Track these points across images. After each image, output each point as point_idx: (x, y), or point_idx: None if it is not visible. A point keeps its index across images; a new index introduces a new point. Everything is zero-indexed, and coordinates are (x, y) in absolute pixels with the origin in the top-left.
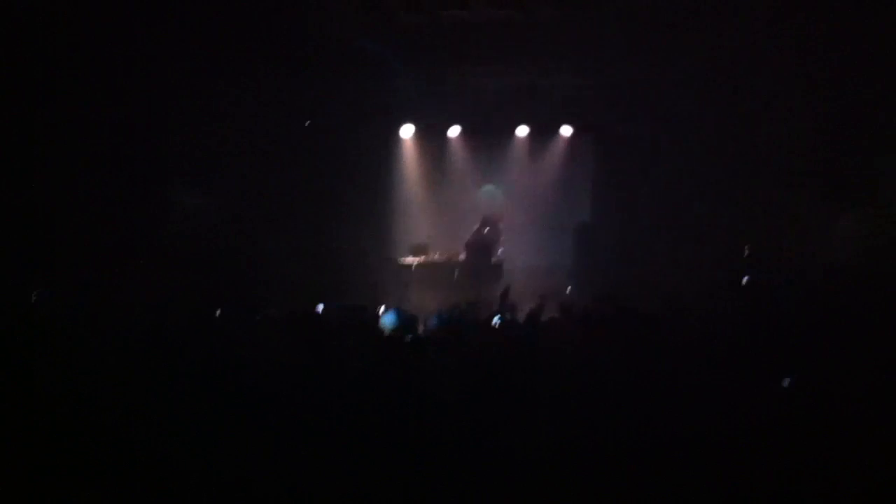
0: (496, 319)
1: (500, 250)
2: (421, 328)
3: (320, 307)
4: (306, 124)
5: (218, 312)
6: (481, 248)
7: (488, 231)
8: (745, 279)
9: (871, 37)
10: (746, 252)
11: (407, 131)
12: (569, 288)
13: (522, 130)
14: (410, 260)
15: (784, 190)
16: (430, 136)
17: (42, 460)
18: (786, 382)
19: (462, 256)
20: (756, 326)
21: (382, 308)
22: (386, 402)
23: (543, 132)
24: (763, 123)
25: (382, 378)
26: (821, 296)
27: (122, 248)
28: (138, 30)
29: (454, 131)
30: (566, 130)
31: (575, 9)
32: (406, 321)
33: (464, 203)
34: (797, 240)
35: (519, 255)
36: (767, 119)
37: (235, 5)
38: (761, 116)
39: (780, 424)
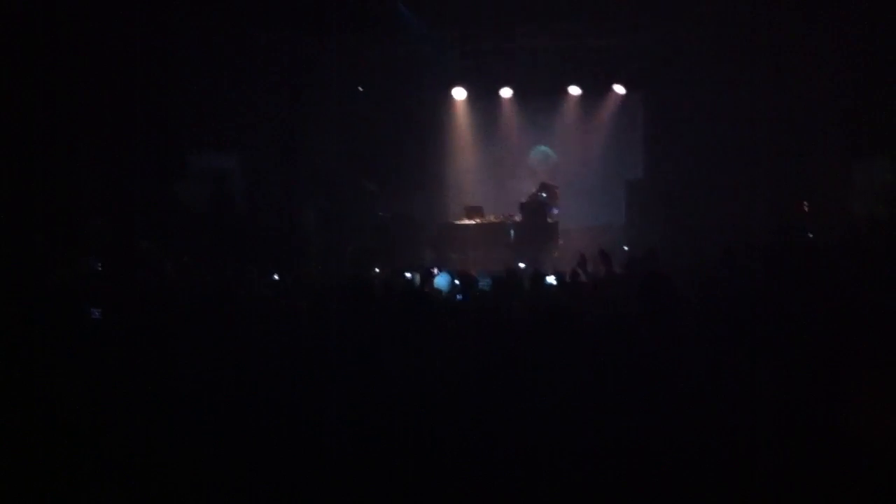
0: (552, 278)
1: (555, 211)
2: (475, 290)
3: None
4: (359, 89)
5: (275, 277)
6: (536, 208)
7: (543, 192)
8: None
9: None
10: (806, 208)
11: (459, 94)
12: (625, 247)
13: (574, 90)
14: (466, 222)
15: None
16: (482, 99)
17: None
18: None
19: (518, 217)
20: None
21: (436, 270)
22: (428, 364)
23: (595, 92)
24: (811, 82)
25: (425, 341)
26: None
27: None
28: None
29: (506, 93)
30: (618, 89)
31: None
32: (459, 282)
33: (517, 164)
34: (847, 199)
35: (574, 215)
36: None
37: None
38: (811, 75)
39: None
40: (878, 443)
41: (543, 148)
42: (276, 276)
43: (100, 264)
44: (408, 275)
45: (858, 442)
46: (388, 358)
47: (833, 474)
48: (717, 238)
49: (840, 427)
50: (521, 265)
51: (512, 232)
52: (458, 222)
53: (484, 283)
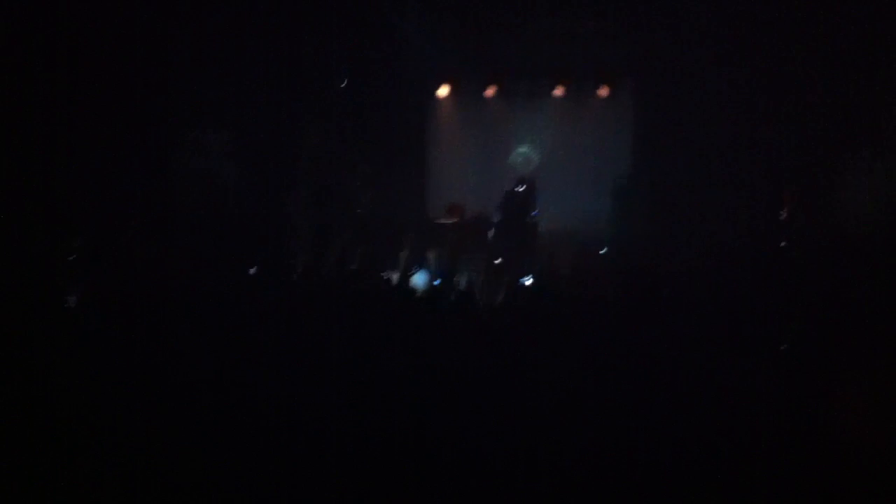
0: (527, 280)
1: (534, 211)
2: (452, 287)
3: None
4: (342, 85)
5: (252, 270)
6: (516, 208)
7: (523, 191)
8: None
9: None
10: (784, 215)
11: (443, 92)
12: (604, 249)
13: (559, 90)
14: (446, 220)
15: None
16: (466, 97)
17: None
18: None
19: (497, 217)
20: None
21: (415, 268)
22: (407, 362)
23: (580, 92)
24: (807, 82)
25: (397, 339)
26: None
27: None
28: None
29: (490, 92)
30: (603, 91)
31: None
32: (437, 281)
33: (499, 163)
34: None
35: (555, 215)
36: (811, 77)
37: None
38: (800, 76)
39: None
40: (851, 440)
41: (525, 148)
42: (251, 271)
43: (74, 255)
44: (386, 273)
45: (837, 440)
46: (366, 354)
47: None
48: (700, 241)
49: (818, 426)
50: (498, 261)
51: (491, 232)
52: (439, 221)
53: (462, 283)
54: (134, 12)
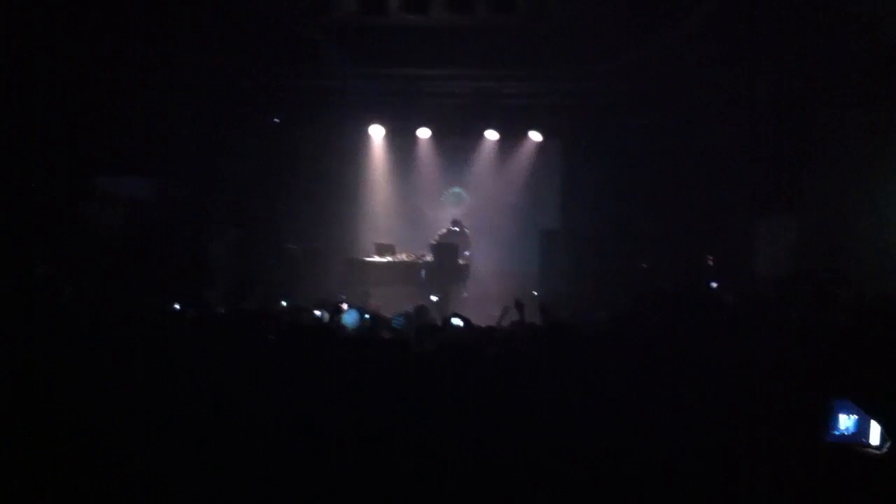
0: (456, 320)
1: (466, 252)
2: (383, 327)
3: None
4: (274, 121)
5: (176, 306)
6: (448, 249)
7: (456, 233)
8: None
9: (801, 51)
10: (710, 261)
11: (376, 132)
12: (534, 292)
13: (491, 134)
14: (376, 259)
15: (749, 198)
16: (399, 137)
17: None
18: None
19: (429, 257)
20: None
21: (345, 307)
22: (334, 402)
23: (512, 137)
24: (723, 135)
25: (332, 378)
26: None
27: (68, 242)
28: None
29: (423, 133)
30: (535, 135)
31: (537, 17)
32: (367, 320)
33: (431, 205)
34: (756, 251)
35: (486, 258)
36: (729, 131)
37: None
38: (721, 128)
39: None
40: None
41: (457, 190)
42: (177, 306)
43: None
44: (316, 311)
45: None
46: (289, 394)
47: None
48: (628, 288)
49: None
50: (434, 298)
51: (423, 272)
52: (369, 259)
53: (396, 322)
54: (53, 51)
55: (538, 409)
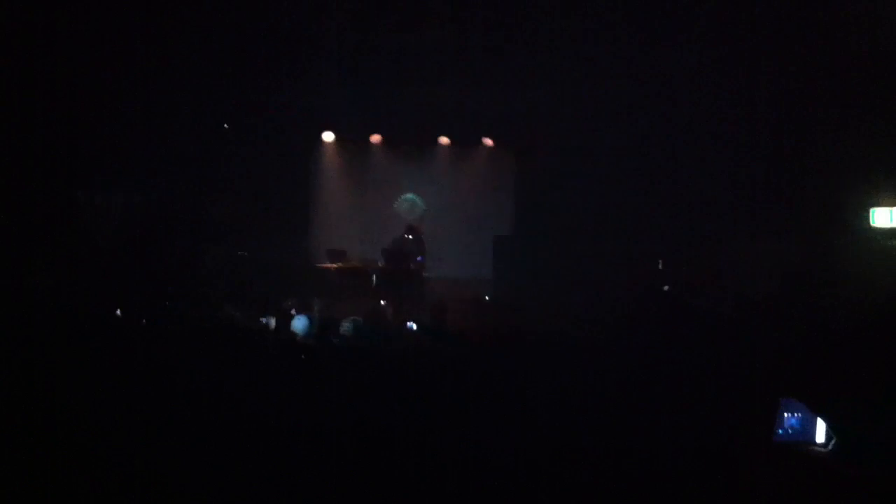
0: (412, 324)
1: (419, 259)
2: (334, 334)
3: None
4: (224, 126)
5: (118, 312)
6: (400, 255)
7: (408, 239)
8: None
9: (791, 66)
10: (660, 266)
11: (328, 137)
12: (486, 297)
13: (444, 140)
14: (328, 265)
15: (704, 205)
16: (351, 144)
17: None
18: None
19: (381, 263)
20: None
21: (294, 312)
22: (284, 409)
23: (465, 143)
24: (684, 144)
25: (282, 384)
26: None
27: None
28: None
29: (375, 139)
30: (488, 142)
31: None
32: (317, 326)
33: (384, 211)
34: (713, 255)
35: (440, 264)
36: (688, 140)
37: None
38: (683, 137)
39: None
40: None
41: (411, 196)
42: (118, 313)
43: None
44: (265, 318)
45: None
46: (240, 401)
47: None
48: (581, 294)
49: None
50: (383, 303)
51: (375, 277)
52: (321, 265)
53: (346, 328)
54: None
55: (491, 414)
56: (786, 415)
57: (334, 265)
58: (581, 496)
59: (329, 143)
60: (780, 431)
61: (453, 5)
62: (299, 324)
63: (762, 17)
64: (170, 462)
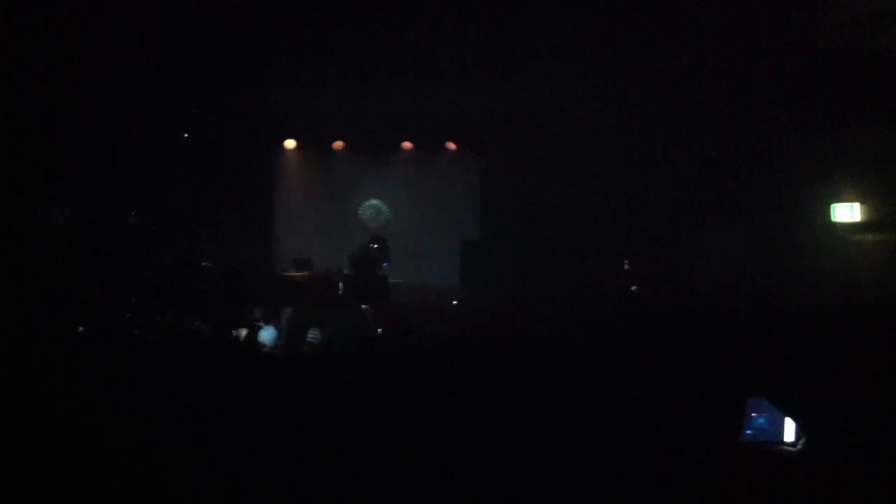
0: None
1: (385, 265)
2: (301, 343)
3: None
4: (184, 136)
5: (80, 329)
6: (366, 263)
7: (374, 246)
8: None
9: (748, 60)
10: (626, 266)
11: (290, 144)
12: (454, 302)
13: (408, 145)
14: (294, 274)
15: (669, 205)
16: (314, 151)
17: None
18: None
19: (346, 271)
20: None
21: (261, 323)
22: (255, 419)
23: (428, 148)
24: (649, 142)
25: (252, 395)
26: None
27: None
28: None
29: (338, 145)
30: (452, 146)
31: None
32: (284, 336)
33: (348, 217)
34: (680, 254)
35: (406, 271)
36: (649, 139)
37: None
38: (644, 136)
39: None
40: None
41: (375, 202)
42: (80, 328)
43: None
44: (232, 329)
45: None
46: (209, 413)
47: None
48: (549, 298)
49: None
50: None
51: (341, 285)
52: (286, 274)
53: (313, 337)
54: None
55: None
56: (753, 414)
57: (300, 273)
58: (543, 496)
59: (291, 151)
60: (749, 431)
61: (415, 9)
62: (266, 335)
63: (721, 15)
64: (134, 478)
